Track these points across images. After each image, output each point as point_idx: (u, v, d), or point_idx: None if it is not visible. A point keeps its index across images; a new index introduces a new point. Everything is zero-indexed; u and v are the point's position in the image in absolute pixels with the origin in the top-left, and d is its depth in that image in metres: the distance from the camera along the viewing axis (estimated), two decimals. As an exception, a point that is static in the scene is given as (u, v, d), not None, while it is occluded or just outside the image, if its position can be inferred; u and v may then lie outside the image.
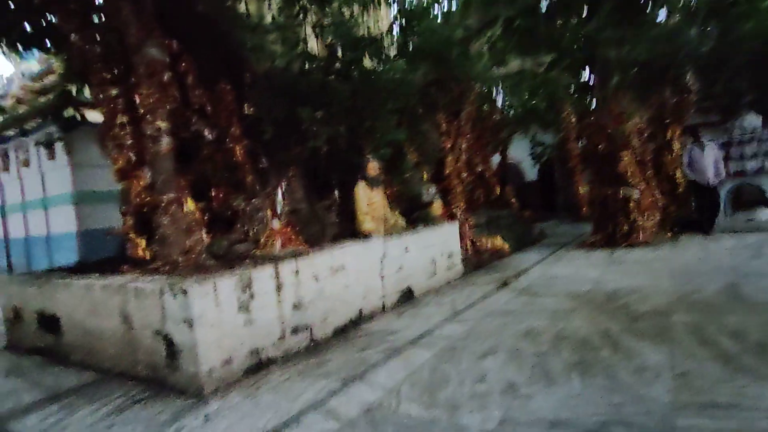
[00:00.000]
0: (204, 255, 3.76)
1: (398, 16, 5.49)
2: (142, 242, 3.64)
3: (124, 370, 3.11)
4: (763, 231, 6.99)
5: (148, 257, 3.62)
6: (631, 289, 4.25)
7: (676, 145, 7.41)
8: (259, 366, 3.00)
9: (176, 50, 3.84)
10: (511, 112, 11.24)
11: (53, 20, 4.09)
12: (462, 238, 6.19)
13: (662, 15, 8.88)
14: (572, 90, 8.19)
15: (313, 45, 4.75)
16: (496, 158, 11.61)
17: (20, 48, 4.37)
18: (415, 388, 2.50)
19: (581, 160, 7.73)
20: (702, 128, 7.24)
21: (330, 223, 4.96)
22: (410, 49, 5.09)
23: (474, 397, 2.34)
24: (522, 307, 4.01)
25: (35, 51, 4.58)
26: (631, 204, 6.99)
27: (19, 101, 9.72)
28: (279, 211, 4.35)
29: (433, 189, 5.71)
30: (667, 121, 7.38)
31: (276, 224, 3.72)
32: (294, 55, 4.33)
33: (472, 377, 2.58)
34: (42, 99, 9.13)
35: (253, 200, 4.34)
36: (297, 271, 3.38)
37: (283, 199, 4.50)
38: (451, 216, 6.33)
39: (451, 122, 6.49)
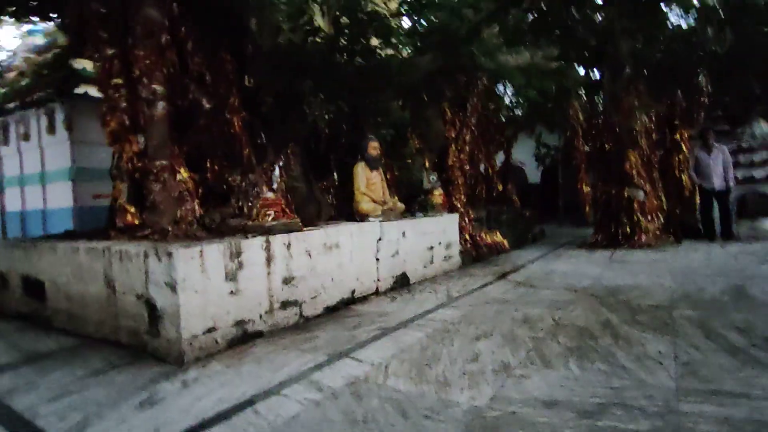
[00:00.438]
0: (195, 226, 3.65)
1: None
2: (131, 208, 3.52)
3: (106, 336, 3.01)
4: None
5: (137, 224, 3.50)
6: (632, 286, 4.13)
7: (684, 148, 7.27)
8: (244, 338, 2.89)
9: (176, 13, 3.73)
10: (518, 110, 11.10)
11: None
12: (461, 230, 6.07)
13: (674, 17, 8.77)
14: (581, 88, 8.05)
15: (320, 22, 4.63)
16: (500, 158, 11.48)
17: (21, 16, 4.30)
18: (404, 365, 2.39)
19: (587, 160, 7.57)
20: (711, 132, 7.07)
21: (326, 204, 4.85)
22: (417, 27, 4.95)
23: (465, 375, 2.22)
24: (519, 297, 3.89)
25: (41, 26, 4.51)
26: (635, 205, 6.86)
27: (21, 74, 9.63)
28: (275, 188, 4.23)
29: (434, 176, 5.58)
30: (677, 123, 7.24)
31: (271, 195, 3.60)
32: (299, 25, 4.21)
33: (465, 357, 2.46)
34: (45, 72, 9.04)
35: (249, 175, 4.23)
36: (289, 245, 3.26)
37: (280, 176, 4.38)
38: (451, 207, 6.21)
39: (457, 112, 6.36)
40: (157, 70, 3.54)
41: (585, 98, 8.27)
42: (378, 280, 4.19)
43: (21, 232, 9.90)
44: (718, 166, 6.96)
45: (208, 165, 4.12)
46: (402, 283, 4.53)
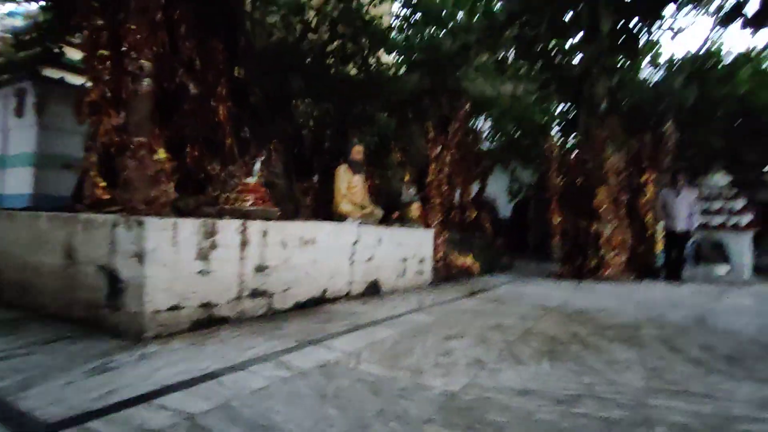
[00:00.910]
0: (168, 209, 3.52)
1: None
2: (102, 182, 3.37)
3: (59, 309, 2.82)
4: (720, 283, 7.18)
5: (106, 198, 3.35)
6: (599, 309, 4.21)
7: (650, 189, 7.61)
8: (209, 322, 2.76)
9: (173, -5, 3.71)
10: (494, 143, 11.45)
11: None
12: (434, 248, 6.09)
13: (646, 72, 9.37)
14: (557, 122, 8.40)
15: (315, 23, 4.71)
16: (474, 187, 11.71)
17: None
18: (376, 355, 2.33)
19: (558, 194, 7.81)
20: (683, 175, 7.45)
21: (305, 205, 4.79)
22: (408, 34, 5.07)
23: (439, 365, 2.18)
24: (491, 310, 3.90)
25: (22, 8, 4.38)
26: (601, 239, 7.09)
27: (-5, 53, 9.28)
28: (254, 181, 4.16)
29: (413, 190, 5.63)
30: (644, 165, 7.61)
31: (250, 180, 3.53)
32: (294, 22, 4.25)
33: (438, 352, 2.43)
34: (21, 54, 8.75)
35: (230, 166, 4.16)
36: (265, 232, 3.18)
37: (261, 170, 4.32)
38: (426, 224, 6.24)
39: (440, 133, 6.49)
40: (146, 47, 3.48)
41: (561, 133, 8.62)
42: (351, 282, 4.12)
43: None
44: (684, 208, 7.30)
45: (188, 150, 4.04)
46: (373, 290, 4.47)
